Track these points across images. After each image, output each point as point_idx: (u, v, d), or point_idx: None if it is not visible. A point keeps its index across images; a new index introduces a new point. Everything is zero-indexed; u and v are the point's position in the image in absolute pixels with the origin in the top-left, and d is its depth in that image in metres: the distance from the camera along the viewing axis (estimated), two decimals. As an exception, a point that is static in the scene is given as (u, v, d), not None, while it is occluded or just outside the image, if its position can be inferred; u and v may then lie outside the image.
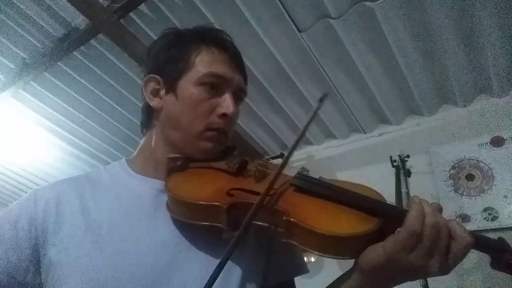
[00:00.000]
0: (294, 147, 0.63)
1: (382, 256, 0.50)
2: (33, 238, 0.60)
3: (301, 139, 0.63)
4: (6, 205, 3.69)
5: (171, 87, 0.70)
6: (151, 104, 0.72)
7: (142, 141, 0.78)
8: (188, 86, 0.69)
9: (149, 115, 0.76)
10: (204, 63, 0.69)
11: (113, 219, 0.62)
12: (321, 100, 0.64)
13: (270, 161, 0.73)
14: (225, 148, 0.75)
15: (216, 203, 0.58)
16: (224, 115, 0.69)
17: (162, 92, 0.72)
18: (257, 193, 0.58)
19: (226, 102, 0.69)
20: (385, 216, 0.54)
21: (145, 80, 0.74)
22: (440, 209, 0.53)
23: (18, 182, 3.49)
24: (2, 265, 0.57)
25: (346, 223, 0.53)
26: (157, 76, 0.72)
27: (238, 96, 0.74)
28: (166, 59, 0.72)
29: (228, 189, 0.62)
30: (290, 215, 0.53)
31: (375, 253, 0.50)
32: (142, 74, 0.77)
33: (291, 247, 0.54)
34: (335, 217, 0.55)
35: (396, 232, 0.52)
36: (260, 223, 0.56)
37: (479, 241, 0.51)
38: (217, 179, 0.67)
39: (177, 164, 0.70)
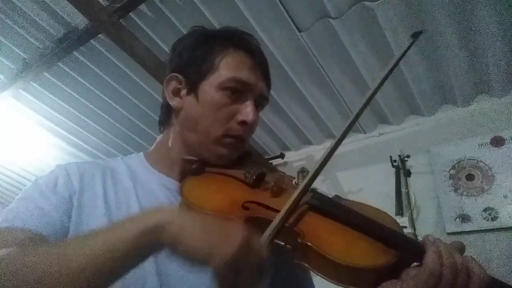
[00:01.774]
0: (345, 133, 0.60)
1: None
2: (69, 203, 0.60)
3: (365, 108, 0.60)
4: (6, 205, 3.69)
5: (192, 88, 0.69)
6: (171, 103, 0.71)
7: (159, 138, 0.77)
8: (210, 89, 0.67)
9: (168, 113, 0.74)
10: (228, 67, 0.67)
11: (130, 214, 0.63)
12: (414, 36, 0.57)
13: (274, 164, 0.71)
14: (241, 154, 0.74)
15: (231, 217, 0.56)
16: (243, 123, 0.67)
17: (183, 92, 0.70)
18: (273, 209, 0.56)
19: (247, 110, 0.67)
20: (402, 250, 0.51)
21: (167, 78, 0.72)
22: (462, 249, 0.52)
23: (18, 182, 3.49)
24: (57, 219, 0.57)
25: (364, 254, 0.51)
26: (180, 76, 0.71)
27: (260, 103, 0.72)
28: (190, 59, 0.70)
29: (243, 202, 0.60)
30: (306, 238, 0.51)
31: None
32: (166, 71, 0.75)
33: (301, 267, 0.52)
34: (352, 245, 0.52)
35: (411, 266, 0.50)
36: (275, 241, 0.54)
37: (494, 283, 0.49)
38: (233, 188, 0.66)
39: (193, 167, 0.69)
